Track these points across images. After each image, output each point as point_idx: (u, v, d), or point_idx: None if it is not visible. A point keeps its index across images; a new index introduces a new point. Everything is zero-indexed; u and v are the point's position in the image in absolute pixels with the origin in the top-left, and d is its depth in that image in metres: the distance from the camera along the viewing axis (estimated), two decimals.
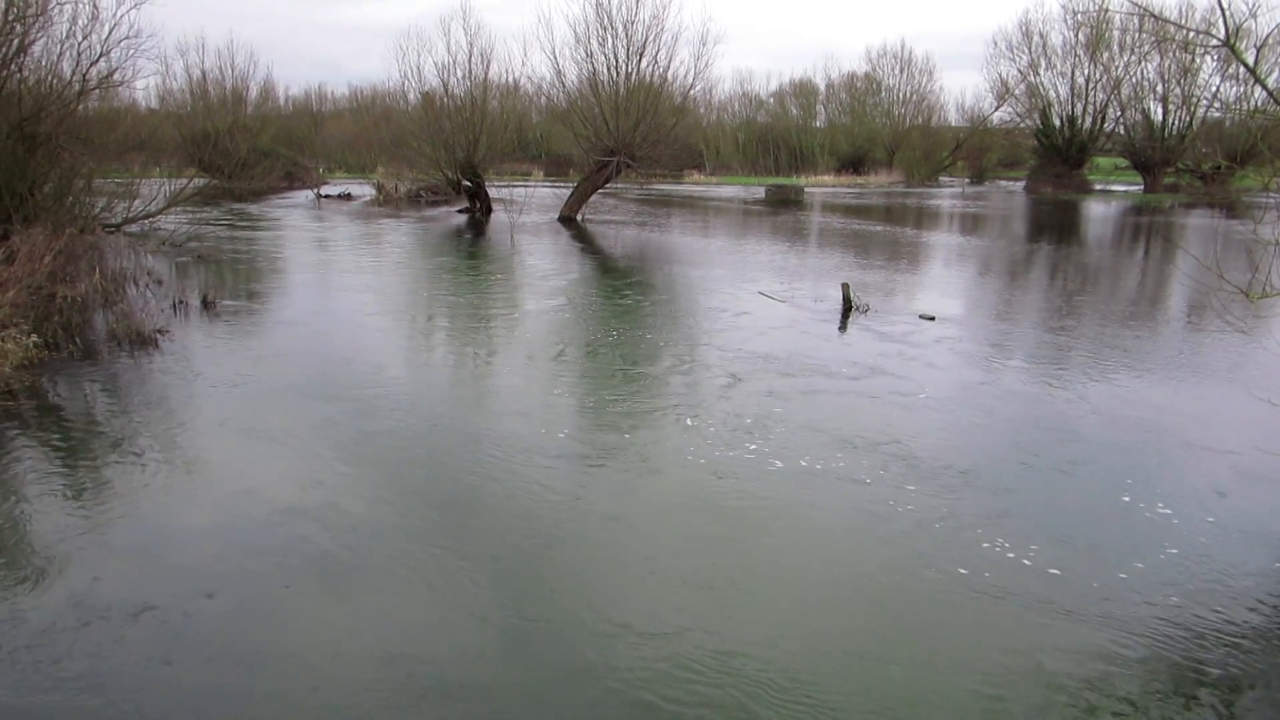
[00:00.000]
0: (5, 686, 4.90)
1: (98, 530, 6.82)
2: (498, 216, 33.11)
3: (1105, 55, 53.30)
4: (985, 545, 6.62)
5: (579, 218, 33.43)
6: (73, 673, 5.01)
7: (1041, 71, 56.03)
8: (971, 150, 64.92)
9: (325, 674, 5.07)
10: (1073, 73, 54.72)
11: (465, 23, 45.68)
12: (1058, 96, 55.60)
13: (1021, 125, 59.51)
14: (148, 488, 7.62)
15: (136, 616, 5.57)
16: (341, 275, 20.37)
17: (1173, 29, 8.79)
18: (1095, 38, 52.36)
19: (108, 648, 5.24)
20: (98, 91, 18.51)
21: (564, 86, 33.88)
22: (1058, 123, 55.42)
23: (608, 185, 33.89)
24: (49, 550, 6.43)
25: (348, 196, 42.30)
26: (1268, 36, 7.99)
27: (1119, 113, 54.09)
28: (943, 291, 18.75)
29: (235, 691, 4.88)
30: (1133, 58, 51.49)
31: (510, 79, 42.02)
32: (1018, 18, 76.22)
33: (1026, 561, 6.39)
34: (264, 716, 4.71)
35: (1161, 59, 49.12)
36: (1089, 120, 54.88)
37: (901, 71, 66.84)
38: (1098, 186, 56.47)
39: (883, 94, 67.70)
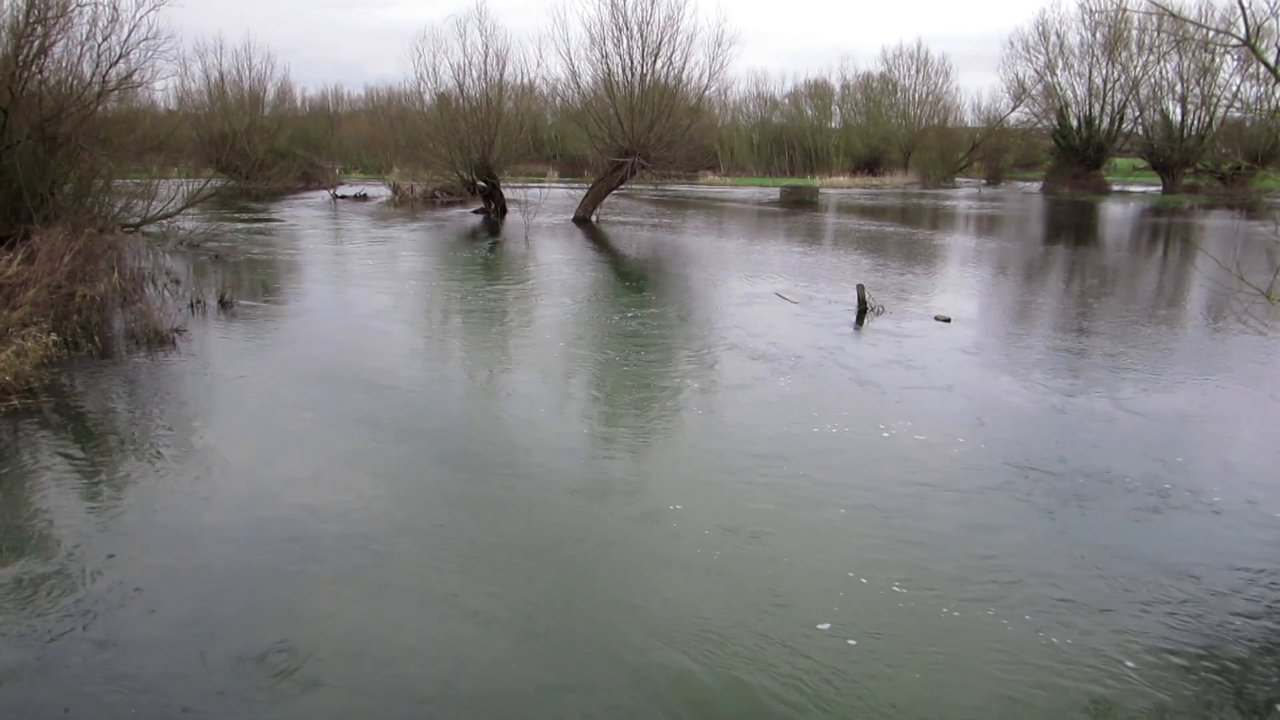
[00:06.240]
0: (25, 684, 4.94)
1: (116, 527, 6.88)
2: (513, 217, 33.19)
3: (1123, 55, 52.87)
4: (998, 541, 6.59)
5: (593, 219, 33.46)
6: (90, 669, 5.04)
7: (1058, 72, 55.69)
8: (988, 151, 64.50)
9: (342, 672, 5.09)
10: (1090, 73, 54.34)
11: (481, 24, 45.80)
12: (1075, 97, 55.24)
13: (1038, 126, 59.10)
14: (166, 485, 7.68)
15: (154, 613, 5.61)
16: (357, 276, 20.46)
17: (1192, 28, 8.72)
18: (1113, 37, 51.96)
19: (127, 643, 5.27)
20: (117, 92, 18.75)
21: (579, 87, 33.95)
22: (1075, 123, 55.02)
23: (622, 186, 33.91)
24: (68, 546, 6.48)
25: (364, 197, 42.50)
26: None
27: (1137, 113, 53.65)
28: (959, 293, 18.65)
29: (247, 689, 4.90)
30: (1151, 57, 51.09)
31: (525, 80, 41.99)
32: (1034, 18, 75.58)
33: (1042, 555, 6.36)
34: (280, 715, 4.74)
35: (1180, 58, 48.68)
36: (1107, 121, 54.44)
37: (918, 72, 66.53)
38: (1115, 187, 56.04)
39: (898, 95, 67.37)
